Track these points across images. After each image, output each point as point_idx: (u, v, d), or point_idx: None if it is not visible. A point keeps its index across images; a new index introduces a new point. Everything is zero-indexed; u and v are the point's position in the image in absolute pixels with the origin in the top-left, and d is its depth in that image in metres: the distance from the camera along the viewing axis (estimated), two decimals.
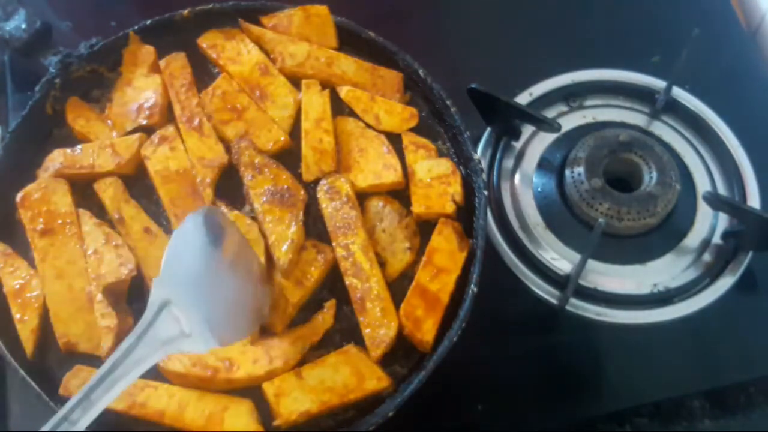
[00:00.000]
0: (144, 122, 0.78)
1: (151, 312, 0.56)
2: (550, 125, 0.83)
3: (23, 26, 0.84)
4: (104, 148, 0.76)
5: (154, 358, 0.55)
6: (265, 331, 0.69)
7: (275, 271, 0.70)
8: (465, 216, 0.75)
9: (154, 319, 0.56)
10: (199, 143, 0.77)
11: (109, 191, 0.75)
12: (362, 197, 0.75)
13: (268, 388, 0.66)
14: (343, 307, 0.71)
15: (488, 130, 0.90)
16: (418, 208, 0.74)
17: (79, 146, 0.77)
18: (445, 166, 0.76)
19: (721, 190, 0.87)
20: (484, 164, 0.87)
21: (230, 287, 0.63)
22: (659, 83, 0.91)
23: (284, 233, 0.71)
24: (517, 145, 0.90)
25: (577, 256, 0.82)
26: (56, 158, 0.77)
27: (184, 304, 0.57)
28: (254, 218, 0.73)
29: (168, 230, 0.74)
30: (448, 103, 0.77)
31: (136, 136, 0.77)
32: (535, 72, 0.93)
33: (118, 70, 0.82)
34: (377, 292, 0.69)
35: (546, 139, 0.90)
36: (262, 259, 0.70)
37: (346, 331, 0.70)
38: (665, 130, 0.90)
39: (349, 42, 0.83)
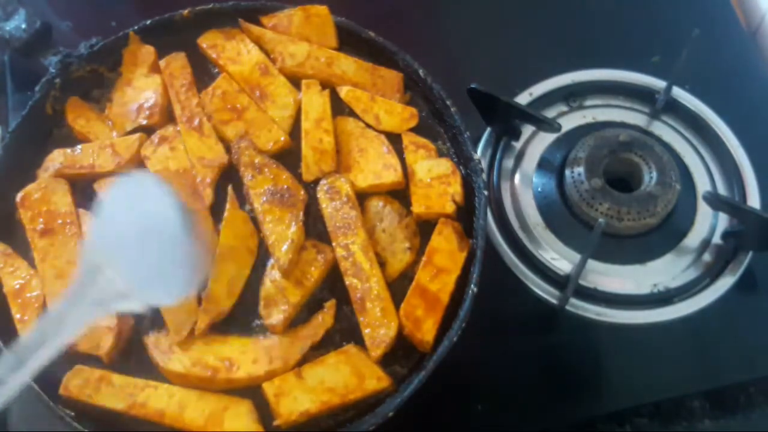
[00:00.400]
0: (144, 122, 0.78)
1: (81, 275, 0.58)
2: (550, 125, 0.83)
3: (23, 26, 0.84)
4: (104, 148, 0.76)
5: (88, 319, 0.58)
6: (265, 331, 0.69)
7: (275, 271, 0.70)
8: (465, 216, 0.75)
9: (86, 282, 0.58)
10: (199, 143, 0.77)
11: None
12: (362, 197, 0.75)
13: (268, 388, 0.66)
14: (343, 307, 0.71)
15: (488, 130, 0.90)
16: (418, 208, 0.74)
17: (79, 146, 0.77)
18: (445, 166, 0.76)
19: (721, 190, 0.87)
20: (484, 164, 0.87)
21: (167, 248, 0.63)
22: (659, 83, 0.91)
23: (284, 233, 0.71)
24: (517, 145, 0.90)
25: (577, 256, 0.82)
26: (56, 158, 0.77)
27: (116, 265, 0.58)
28: (254, 218, 0.73)
29: None
30: (448, 103, 0.77)
31: (136, 136, 0.77)
32: (535, 72, 0.93)
33: (118, 70, 0.82)
34: (377, 292, 0.69)
35: (546, 139, 0.90)
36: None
37: (346, 331, 0.70)
38: (665, 130, 0.90)
39: (349, 42, 0.83)
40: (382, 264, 0.72)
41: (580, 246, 0.82)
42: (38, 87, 0.79)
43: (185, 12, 0.83)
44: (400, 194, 0.76)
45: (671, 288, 0.81)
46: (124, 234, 0.61)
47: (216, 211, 0.74)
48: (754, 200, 0.85)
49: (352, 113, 0.80)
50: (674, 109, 0.91)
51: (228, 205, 0.73)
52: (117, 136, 0.78)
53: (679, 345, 0.79)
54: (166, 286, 0.62)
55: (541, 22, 1.00)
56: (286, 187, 0.73)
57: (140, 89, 0.80)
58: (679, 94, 0.91)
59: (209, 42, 0.83)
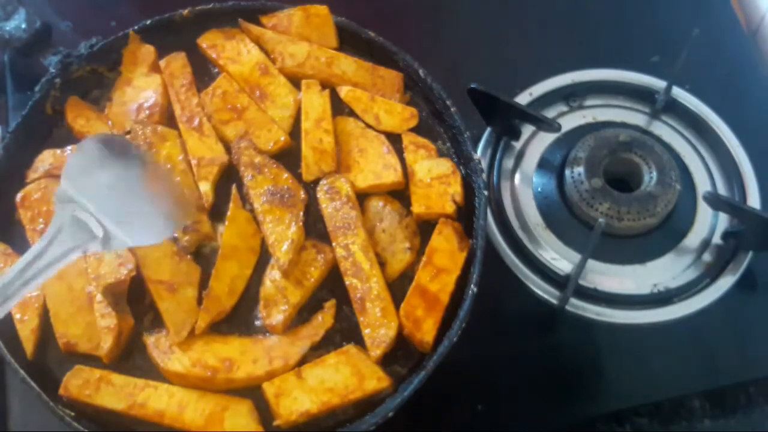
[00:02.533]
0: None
1: (58, 218, 0.62)
2: (550, 125, 0.83)
3: (23, 26, 0.84)
4: None
5: (65, 261, 0.61)
6: (265, 331, 0.69)
7: (275, 271, 0.70)
8: (465, 216, 0.75)
9: (61, 224, 0.62)
10: (199, 143, 0.77)
11: None
12: (362, 197, 0.75)
13: (268, 388, 0.66)
14: (343, 307, 0.71)
15: (488, 130, 0.90)
16: (418, 208, 0.74)
17: (69, 147, 0.77)
18: (445, 166, 0.76)
19: (721, 190, 0.87)
20: (484, 164, 0.87)
21: (140, 196, 0.69)
22: (659, 83, 0.91)
23: (284, 233, 0.71)
24: (517, 145, 0.90)
25: (577, 256, 0.82)
26: (46, 159, 0.76)
27: (90, 209, 0.63)
28: (254, 218, 0.73)
29: None
30: (448, 103, 0.77)
31: None
32: (535, 72, 0.93)
33: (118, 70, 0.82)
34: (377, 292, 0.69)
35: (546, 139, 0.90)
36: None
37: (346, 331, 0.70)
38: (665, 130, 0.90)
39: (349, 42, 0.83)
40: (382, 264, 0.72)
41: (580, 246, 0.82)
42: (38, 87, 0.79)
43: (185, 12, 0.83)
44: (400, 194, 0.76)
45: (671, 288, 0.81)
46: (98, 181, 0.66)
47: (216, 210, 0.74)
48: (754, 200, 0.85)
49: (352, 113, 0.80)
50: (674, 109, 0.91)
51: (231, 205, 0.73)
52: None
53: (679, 345, 0.79)
54: (143, 228, 0.67)
55: (541, 22, 1.00)
56: (286, 187, 0.73)
57: (140, 89, 0.80)
58: (679, 94, 0.91)
59: (209, 42, 0.83)
